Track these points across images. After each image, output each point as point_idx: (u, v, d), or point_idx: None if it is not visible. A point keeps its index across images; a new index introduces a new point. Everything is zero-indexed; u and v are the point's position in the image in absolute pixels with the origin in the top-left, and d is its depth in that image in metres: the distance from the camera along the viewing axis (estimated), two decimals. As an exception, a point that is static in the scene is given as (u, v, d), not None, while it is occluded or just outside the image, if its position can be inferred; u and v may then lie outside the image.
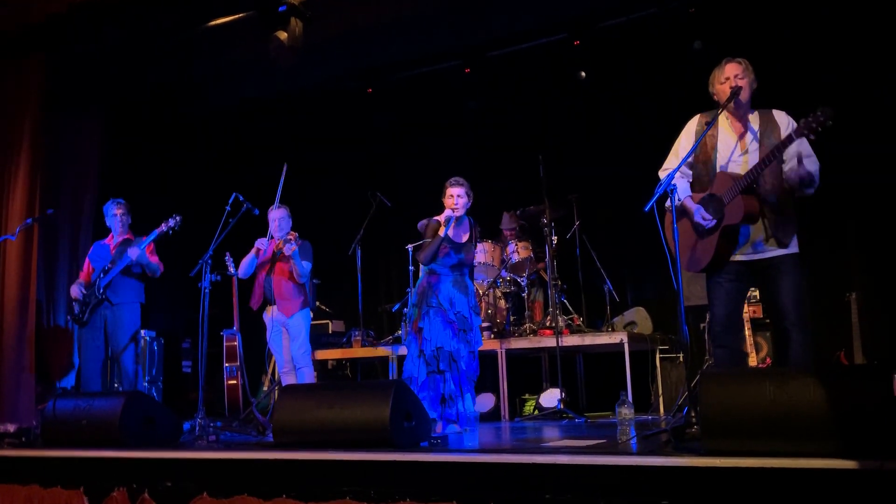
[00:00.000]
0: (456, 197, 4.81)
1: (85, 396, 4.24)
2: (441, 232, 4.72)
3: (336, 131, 8.12)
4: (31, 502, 3.85)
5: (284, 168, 5.43)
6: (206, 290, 4.77)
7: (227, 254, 6.17)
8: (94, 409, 4.04)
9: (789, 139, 3.31)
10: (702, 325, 5.75)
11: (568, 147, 7.10)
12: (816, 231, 5.99)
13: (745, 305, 5.14)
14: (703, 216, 3.55)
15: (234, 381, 6.02)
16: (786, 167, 3.48)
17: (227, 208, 4.94)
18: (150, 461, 3.67)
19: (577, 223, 6.60)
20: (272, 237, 5.51)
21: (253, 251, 5.43)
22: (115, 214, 5.61)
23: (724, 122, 3.65)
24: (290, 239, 5.23)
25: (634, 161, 6.41)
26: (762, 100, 3.69)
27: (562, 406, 5.50)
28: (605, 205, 6.87)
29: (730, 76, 3.57)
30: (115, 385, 5.89)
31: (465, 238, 4.84)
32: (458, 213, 4.76)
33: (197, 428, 4.41)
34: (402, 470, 3.06)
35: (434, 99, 7.71)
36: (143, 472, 3.66)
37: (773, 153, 3.35)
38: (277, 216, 5.52)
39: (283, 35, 6.15)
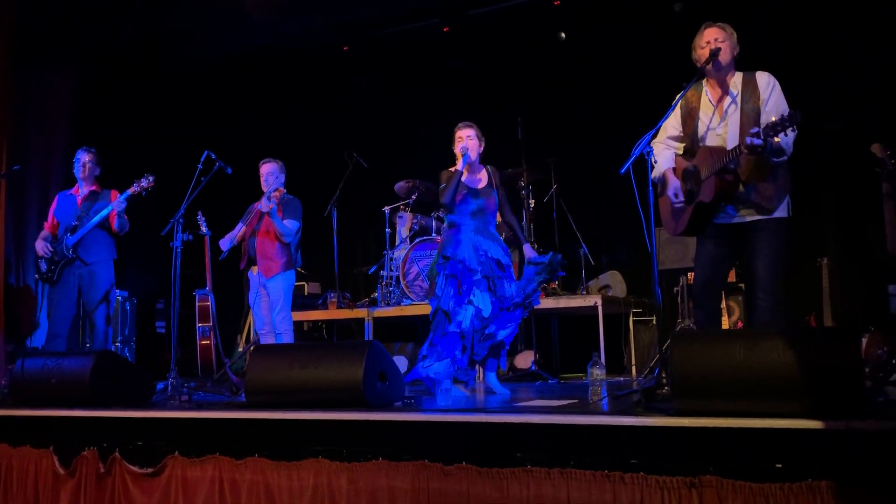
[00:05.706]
0: (466, 138, 4.50)
1: (54, 355, 4.16)
2: (458, 165, 4.40)
3: (313, 89, 7.99)
4: (0, 461, 3.82)
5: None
6: (178, 250, 4.68)
7: (200, 213, 6.07)
8: (63, 368, 3.97)
9: (751, 147, 3.25)
10: (675, 289, 5.81)
11: (547, 110, 7.05)
12: (790, 197, 6.04)
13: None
14: (675, 193, 3.57)
15: (207, 342, 5.98)
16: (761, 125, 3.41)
17: (199, 166, 4.81)
18: (121, 420, 3.64)
19: (554, 186, 6.58)
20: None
21: (233, 233, 5.27)
22: (84, 162, 5.35)
23: (706, 91, 3.62)
24: (273, 196, 5.10)
25: (613, 124, 6.41)
26: (745, 65, 3.66)
27: (535, 368, 5.54)
28: (582, 168, 6.85)
29: (710, 39, 3.54)
30: (87, 344, 5.81)
31: (481, 185, 4.53)
32: (472, 154, 4.44)
33: (169, 388, 4.37)
34: (374, 429, 3.07)
35: (412, 58, 7.61)
36: (114, 431, 3.62)
37: (739, 149, 3.32)
38: (266, 171, 5.27)
39: (258, -12, 6.02)
